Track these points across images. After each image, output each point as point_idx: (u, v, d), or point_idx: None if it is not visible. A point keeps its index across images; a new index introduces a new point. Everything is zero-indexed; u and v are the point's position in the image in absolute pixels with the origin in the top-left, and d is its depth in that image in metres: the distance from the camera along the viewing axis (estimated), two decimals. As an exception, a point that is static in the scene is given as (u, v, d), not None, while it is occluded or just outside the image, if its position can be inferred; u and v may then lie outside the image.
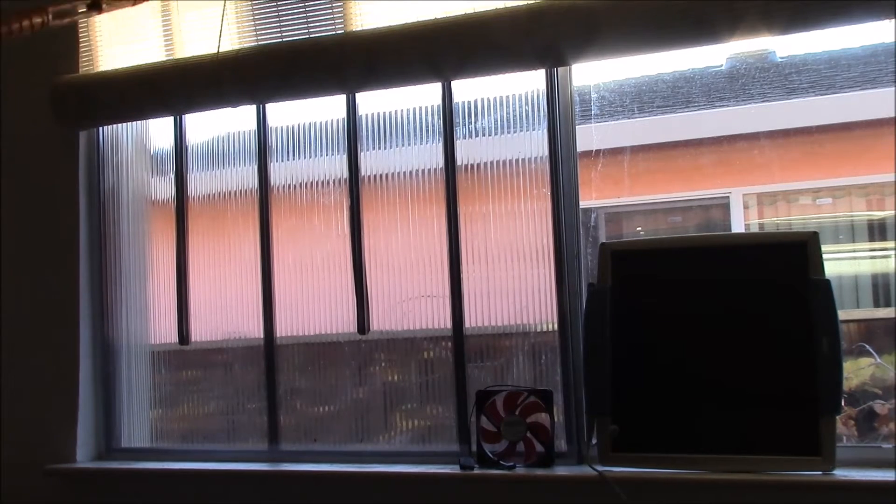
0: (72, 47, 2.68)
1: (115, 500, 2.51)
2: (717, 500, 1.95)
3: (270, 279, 2.53)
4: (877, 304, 2.71)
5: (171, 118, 2.65)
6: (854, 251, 2.87)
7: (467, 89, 2.36)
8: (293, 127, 2.55)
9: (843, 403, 1.91)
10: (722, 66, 2.79)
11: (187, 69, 2.45)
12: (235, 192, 2.60)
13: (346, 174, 2.47)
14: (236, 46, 2.48)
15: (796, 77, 2.78)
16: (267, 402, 2.51)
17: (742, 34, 2.00)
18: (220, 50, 2.47)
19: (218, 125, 2.63)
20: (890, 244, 2.78)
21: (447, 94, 2.37)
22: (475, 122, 2.36)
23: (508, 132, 2.33)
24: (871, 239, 2.89)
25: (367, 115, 2.47)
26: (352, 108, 2.47)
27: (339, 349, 2.47)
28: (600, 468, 2.01)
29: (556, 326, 2.25)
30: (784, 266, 1.97)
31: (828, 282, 1.92)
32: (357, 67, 2.29)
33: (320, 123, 2.52)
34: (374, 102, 2.46)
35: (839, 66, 2.82)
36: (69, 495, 2.54)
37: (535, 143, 2.30)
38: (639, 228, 3.22)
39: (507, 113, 2.33)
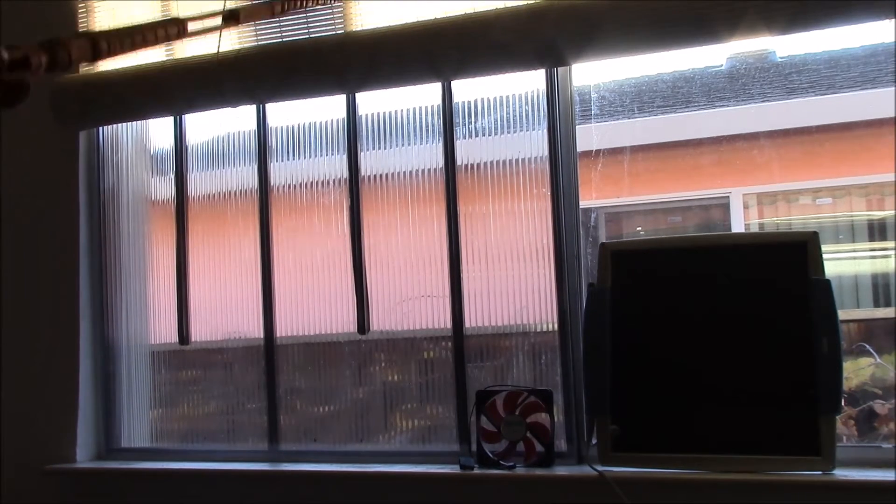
0: (72, 47, 2.68)
1: (115, 500, 2.51)
2: (717, 500, 1.94)
3: (270, 279, 2.53)
4: (877, 304, 2.71)
5: (171, 118, 2.65)
6: (854, 251, 2.87)
7: (467, 89, 2.36)
8: (293, 127, 2.55)
9: (843, 403, 1.91)
10: (722, 66, 2.79)
11: (187, 69, 2.45)
12: (235, 192, 2.60)
13: (346, 174, 2.47)
14: (236, 46, 2.48)
15: (796, 77, 2.78)
16: (267, 402, 2.51)
17: (742, 34, 1.99)
18: (220, 50, 2.47)
19: (218, 125, 2.63)
20: (890, 244, 2.78)
21: (447, 94, 2.37)
22: (475, 122, 2.36)
23: (508, 132, 2.33)
24: (871, 239, 2.89)
25: (367, 115, 2.47)
26: (352, 108, 2.47)
27: (339, 349, 2.47)
28: (600, 468, 2.01)
29: (556, 326, 2.25)
30: (784, 266, 1.97)
31: (828, 282, 1.91)
32: (357, 67, 2.29)
33: (320, 123, 2.52)
34: (374, 102, 2.46)
35: (839, 66, 2.82)
36: (69, 495, 2.54)
37: (535, 143, 2.30)
38: (639, 228, 3.22)
39: (507, 113, 2.33)
